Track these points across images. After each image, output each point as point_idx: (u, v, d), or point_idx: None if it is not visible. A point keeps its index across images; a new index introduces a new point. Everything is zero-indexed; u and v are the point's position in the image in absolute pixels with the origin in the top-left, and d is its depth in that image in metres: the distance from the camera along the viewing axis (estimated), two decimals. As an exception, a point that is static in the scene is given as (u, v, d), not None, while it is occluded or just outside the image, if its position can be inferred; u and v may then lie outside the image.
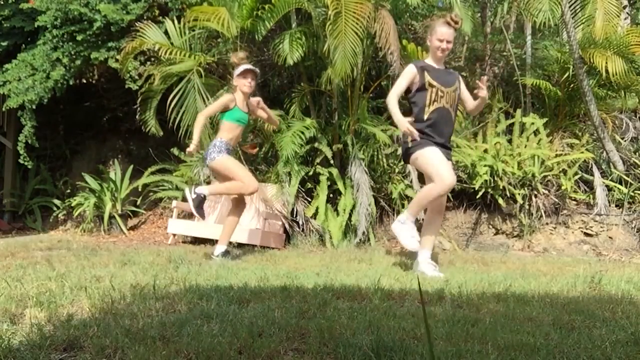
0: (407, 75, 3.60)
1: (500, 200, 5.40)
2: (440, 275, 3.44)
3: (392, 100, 3.54)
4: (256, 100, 4.29)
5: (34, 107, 5.96)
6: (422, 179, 5.23)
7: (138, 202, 6.72)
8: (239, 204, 4.21)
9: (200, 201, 4.01)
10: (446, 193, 3.52)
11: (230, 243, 5.21)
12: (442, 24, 3.58)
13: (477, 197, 5.44)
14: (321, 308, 2.14)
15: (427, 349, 1.56)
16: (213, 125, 5.47)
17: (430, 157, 3.49)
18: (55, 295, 2.30)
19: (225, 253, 4.08)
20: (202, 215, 4.07)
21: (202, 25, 5.43)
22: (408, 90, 3.67)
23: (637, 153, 6.01)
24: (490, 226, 5.60)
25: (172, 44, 5.71)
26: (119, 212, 6.44)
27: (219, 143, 4.10)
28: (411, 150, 3.57)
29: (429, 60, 3.68)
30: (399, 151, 5.59)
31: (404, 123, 3.47)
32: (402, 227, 3.58)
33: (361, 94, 5.79)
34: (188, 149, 4.03)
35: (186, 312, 2.06)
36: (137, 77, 5.97)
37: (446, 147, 3.65)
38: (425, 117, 3.56)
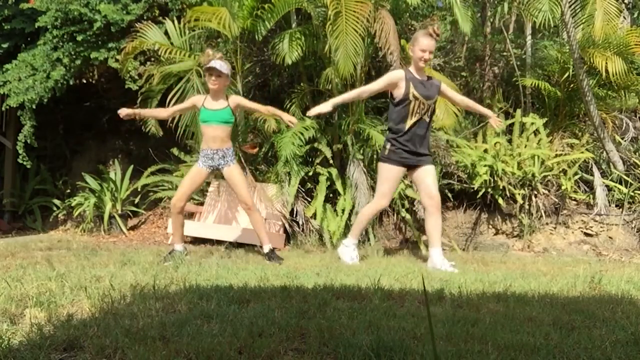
0: (392, 77, 3.79)
1: (500, 200, 5.40)
2: (455, 270, 3.60)
3: (357, 90, 3.89)
4: (236, 103, 4.25)
5: (34, 106, 5.96)
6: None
7: (137, 202, 6.72)
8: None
9: (271, 254, 4.19)
10: (378, 212, 4.00)
11: (230, 244, 5.22)
12: (424, 35, 3.75)
13: (477, 197, 5.44)
14: (321, 308, 2.14)
15: (428, 349, 1.56)
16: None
17: (384, 173, 3.85)
18: (55, 295, 2.30)
19: (272, 251, 4.25)
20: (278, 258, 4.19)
21: (202, 25, 5.43)
22: (392, 97, 3.86)
23: (637, 153, 6.00)
24: (490, 226, 5.60)
25: (172, 44, 5.71)
26: (119, 212, 6.44)
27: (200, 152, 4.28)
28: (381, 158, 3.93)
29: (412, 70, 3.79)
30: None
31: (324, 106, 3.74)
32: (345, 250, 4.03)
33: (361, 94, 5.78)
34: (123, 111, 4.17)
35: (186, 312, 2.06)
36: (137, 77, 5.97)
37: (421, 155, 3.87)
38: (406, 127, 3.79)
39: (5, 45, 6.37)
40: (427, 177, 3.84)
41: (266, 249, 4.21)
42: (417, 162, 3.82)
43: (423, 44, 3.71)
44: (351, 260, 3.98)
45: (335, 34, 4.77)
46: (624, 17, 6.87)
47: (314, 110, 3.75)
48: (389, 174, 3.83)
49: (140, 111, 4.30)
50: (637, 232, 5.32)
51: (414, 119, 3.74)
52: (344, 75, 4.87)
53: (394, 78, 3.76)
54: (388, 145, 3.83)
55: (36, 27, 5.96)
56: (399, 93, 3.74)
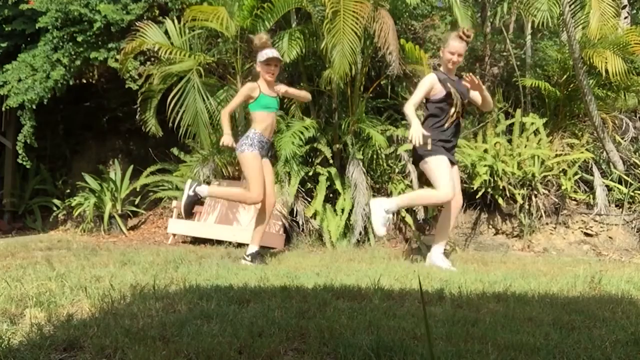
0: (427, 84, 3.72)
1: (500, 200, 5.40)
2: (453, 269, 3.61)
3: (410, 109, 3.62)
4: (282, 89, 4.10)
5: (34, 106, 5.96)
6: (422, 179, 5.24)
7: (137, 202, 6.72)
8: (261, 212, 4.11)
9: (194, 201, 3.91)
10: (443, 204, 3.76)
11: (230, 244, 5.22)
12: (455, 37, 3.75)
13: (477, 197, 5.43)
14: (321, 308, 2.14)
15: (427, 349, 1.56)
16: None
17: (439, 166, 3.68)
18: (55, 295, 2.30)
19: (256, 255, 3.99)
20: (187, 214, 3.99)
21: (201, 24, 5.44)
22: (427, 100, 3.83)
23: (637, 153, 6.00)
24: (490, 226, 5.60)
25: (172, 44, 5.71)
26: (119, 212, 6.44)
27: (252, 135, 3.93)
28: (423, 154, 3.72)
29: (443, 71, 3.82)
30: (399, 151, 5.60)
31: (418, 133, 3.49)
32: (381, 211, 3.71)
33: (361, 94, 5.79)
34: (223, 141, 3.85)
35: (186, 312, 2.06)
36: (137, 77, 5.98)
37: (452, 149, 3.88)
38: (447, 126, 3.74)
39: (5, 46, 6.37)
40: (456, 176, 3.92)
41: (250, 249, 4.03)
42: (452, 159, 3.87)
43: (452, 46, 3.69)
44: (382, 226, 3.80)
45: (333, 33, 4.77)
46: (627, 13, 6.85)
47: None
48: (437, 163, 3.71)
49: (227, 131, 3.89)
50: (637, 232, 5.31)
51: (454, 117, 3.74)
52: (340, 74, 4.87)
53: (429, 84, 3.71)
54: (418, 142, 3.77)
55: (36, 27, 5.96)
56: (436, 93, 3.73)
